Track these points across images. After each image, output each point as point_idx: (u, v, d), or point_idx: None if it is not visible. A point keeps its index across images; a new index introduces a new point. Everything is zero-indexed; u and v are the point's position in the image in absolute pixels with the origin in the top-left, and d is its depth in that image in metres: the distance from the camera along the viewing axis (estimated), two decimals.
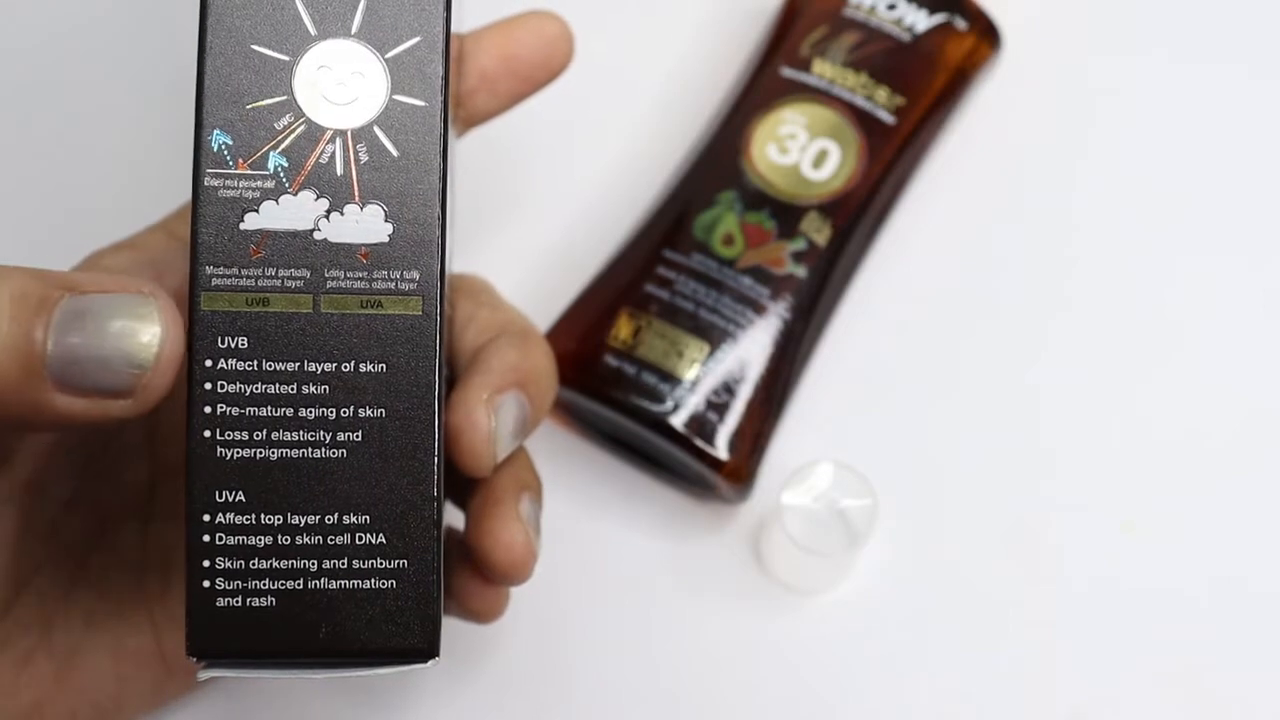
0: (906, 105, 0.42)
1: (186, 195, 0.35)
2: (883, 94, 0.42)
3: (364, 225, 0.28)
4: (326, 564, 0.27)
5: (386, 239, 0.28)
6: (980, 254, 0.45)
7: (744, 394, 0.40)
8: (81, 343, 0.26)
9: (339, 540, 0.27)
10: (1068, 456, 0.43)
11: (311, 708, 0.39)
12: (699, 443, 0.39)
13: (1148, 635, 0.41)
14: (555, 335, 0.41)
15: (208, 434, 0.27)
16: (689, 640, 0.41)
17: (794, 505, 0.38)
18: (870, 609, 0.41)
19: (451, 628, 0.31)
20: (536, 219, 0.45)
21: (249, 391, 0.27)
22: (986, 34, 0.44)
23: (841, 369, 0.43)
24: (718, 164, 0.42)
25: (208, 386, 0.27)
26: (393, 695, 0.40)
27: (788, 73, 0.43)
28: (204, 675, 0.27)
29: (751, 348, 0.40)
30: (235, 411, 0.27)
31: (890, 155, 0.42)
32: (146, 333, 0.26)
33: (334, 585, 0.27)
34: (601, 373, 0.40)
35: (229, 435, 0.27)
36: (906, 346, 0.44)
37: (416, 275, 0.28)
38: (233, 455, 0.27)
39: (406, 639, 0.28)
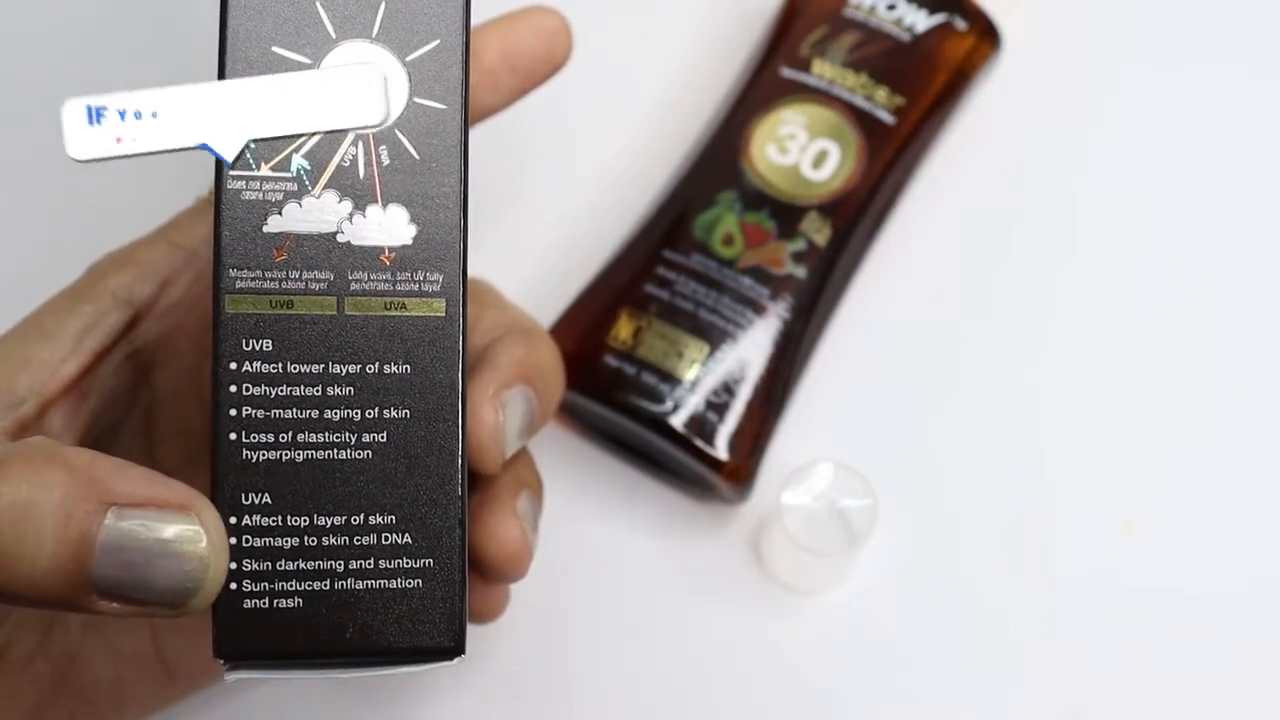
0: (906, 105, 0.42)
1: (190, 198, 0.35)
2: (882, 94, 0.42)
3: (387, 228, 0.28)
4: (353, 564, 0.27)
5: (410, 241, 0.28)
6: (980, 254, 0.45)
7: (744, 394, 0.40)
8: (128, 576, 0.26)
9: (365, 540, 0.27)
10: (1068, 456, 0.43)
11: (310, 706, 0.39)
12: (699, 443, 0.39)
13: (1148, 635, 0.41)
14: (555, 335, 0.40)
15: (233, 436, 0.27)
16: (689, 640, 0.41)
17: (794, 505, 0.38)
18: (870, 609, 0.41)
19: None
20: (536, 219, 0.45)
21: (274, 394, 0.27)
22: (986, 34, 0.44)
23: (841, 369, 0.43)
24: (717, 164, 0.42)
25: (233, 389, 0.27)
26: (393, 694, 0.40)
27: (788, 73, 0.43)
28: (231, 677, 0.27)
29: (751, 348, 0.40)
30: (261, 414, 0.27)
31: (890, 155, 0.42)
32: (193, 560, 0.26)
33: (360, 585, 0.27)
34: (601, 373, 0.40)
35: (255, 437, 0.27)
36: (906, 346, 0.44)
37: (439, 277, 0.28)
38: (259, 457, 0.27)
39: (433, 637, 0.28)
